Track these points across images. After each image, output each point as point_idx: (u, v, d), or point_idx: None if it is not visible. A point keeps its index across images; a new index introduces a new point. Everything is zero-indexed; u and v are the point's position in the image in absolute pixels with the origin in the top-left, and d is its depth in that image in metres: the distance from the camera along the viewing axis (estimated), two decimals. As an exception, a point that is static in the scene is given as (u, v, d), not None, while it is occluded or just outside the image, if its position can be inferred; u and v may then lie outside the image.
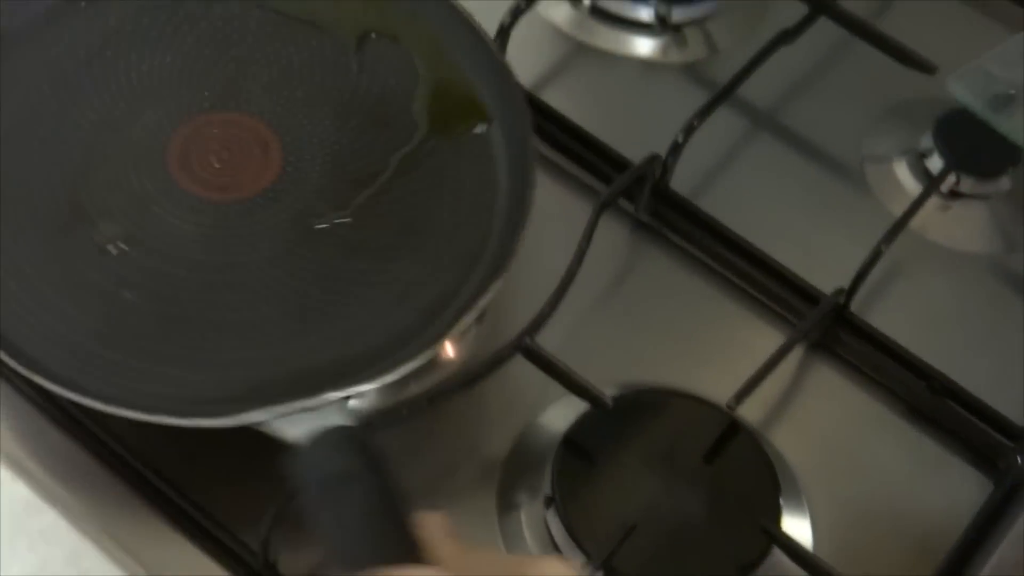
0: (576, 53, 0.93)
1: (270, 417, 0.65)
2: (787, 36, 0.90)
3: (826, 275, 0.82)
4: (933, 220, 0.87)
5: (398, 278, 0.74)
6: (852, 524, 0.76)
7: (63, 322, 0.70)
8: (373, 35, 0.82)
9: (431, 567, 0.56)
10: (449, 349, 0.76)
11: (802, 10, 0.92)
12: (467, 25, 0.82)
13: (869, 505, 0.77)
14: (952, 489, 0.78)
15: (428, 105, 0.80)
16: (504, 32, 0.87)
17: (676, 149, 0.84)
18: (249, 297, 0.73)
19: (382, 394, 0.72)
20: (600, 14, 0.94)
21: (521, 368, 0.74)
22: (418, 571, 0.56)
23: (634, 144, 0.86)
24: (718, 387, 0.76)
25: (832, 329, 0.81)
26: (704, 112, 0.85)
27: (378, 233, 0.75)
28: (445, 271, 0.74)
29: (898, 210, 0.85)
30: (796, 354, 0.80)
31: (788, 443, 0.78)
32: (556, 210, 0.82)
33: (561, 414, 0.75)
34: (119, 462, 0.72)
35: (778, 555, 0.71)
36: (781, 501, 0.73)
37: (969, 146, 0.88)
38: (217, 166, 0.77)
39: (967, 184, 0.87)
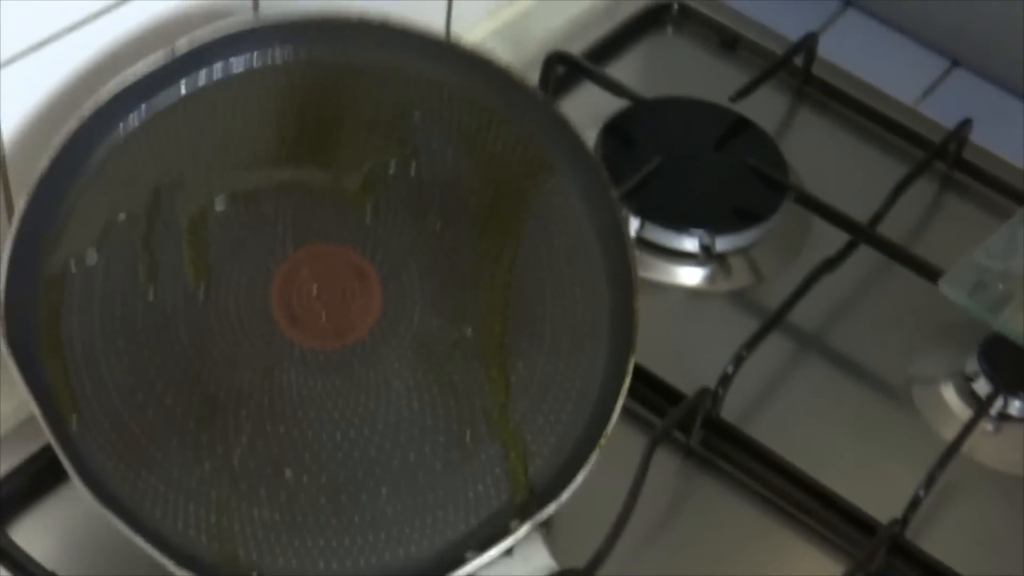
0: (624, 284, 0.95)
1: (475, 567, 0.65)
2: (829, 264, 0.92)
3: (878, 500, 0.83)
4: (983, 443, 0.88)
5: (532, 371, 0.74)
6: None
7: (234, 519, 0.70)
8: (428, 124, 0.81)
9: None
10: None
11: (843, 238, 0.94)
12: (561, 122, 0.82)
13: None
14: None
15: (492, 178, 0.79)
16: (554, 268, 0.89)
17: (726, 380, 0.85)
18: (399, 440, 0.72)
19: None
20: (645, 245, 0.96)
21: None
22: None
23: (683, 372, 0.87)
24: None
25: (889, 558, 0.82)
26: (752, 343, 0.87)
27: (499, 329, 0.75)
28: (572, 351, 0.75)
29: (947, 433, 0.87)
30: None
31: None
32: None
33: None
34: None
35: None
36: None
37: (1015, 368, 0.89)
38: (322, 313, 0.75)
39: (1015, 407, 0.89)
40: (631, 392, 0.87)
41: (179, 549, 0.69)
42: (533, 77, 1.04)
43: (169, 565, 0.68)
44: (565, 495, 0.73)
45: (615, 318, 0.76)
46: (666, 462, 0.85)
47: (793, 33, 1.07)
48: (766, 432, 0.86)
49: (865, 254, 0.95)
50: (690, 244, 0.96)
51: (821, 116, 1.08)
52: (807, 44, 1.06)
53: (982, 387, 0.89)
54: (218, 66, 0.77)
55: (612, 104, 1.02)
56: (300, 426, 0.73)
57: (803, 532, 0.84)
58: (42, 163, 0.73)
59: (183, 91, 0.76)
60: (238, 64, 0.77)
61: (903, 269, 0.94)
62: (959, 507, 0.86)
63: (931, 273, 0.92)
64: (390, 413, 0.73)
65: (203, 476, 0.71)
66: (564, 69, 1.03)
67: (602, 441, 0.74)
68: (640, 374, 0.87)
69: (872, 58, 1.12)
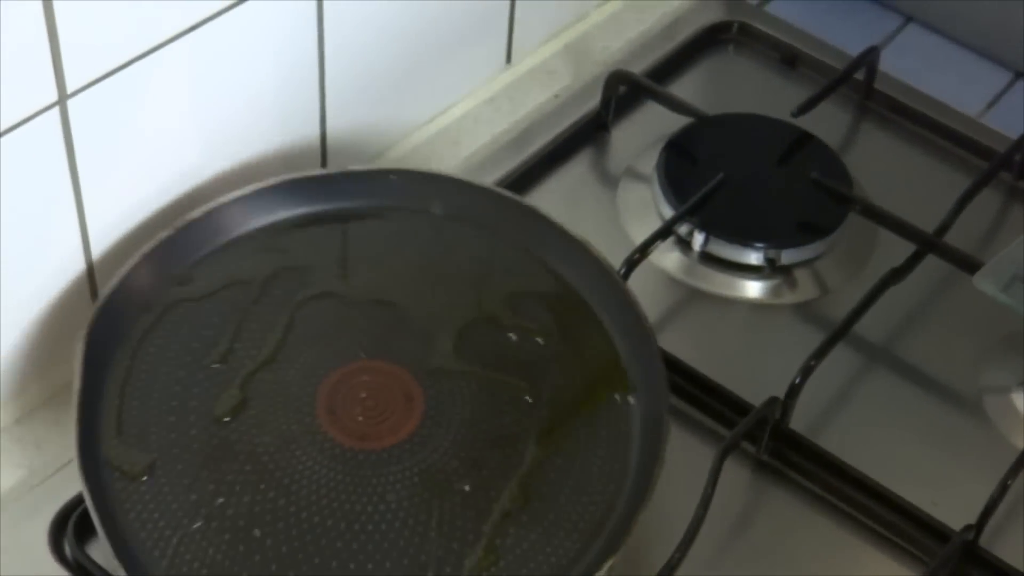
0: (689, 298, 0.96)
1: None
2: (896, 274, 0.92)
3: (951, 509, 0.82)
4: (1055, 449, 0.87)
5: (518, 543, 0.76)
6: None
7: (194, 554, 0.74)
8: (523, 295, 0.86)
9: None
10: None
11: (909, 248, 0.94)
12: (618, 289, 0.85)
13: None
14: None
15: (571, 367, 0.83)
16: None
17: (794, 390, 0.85)
18: (371, 549, 0.75)
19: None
20: (710, 259, 0.96)
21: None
22: None
23: (750, 385, 0.87)
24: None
25: (962, 566, 0.81)
26: (820, 353, 0.86)
27: (504, 496, 0.77)
28: (564, 540, 0.76)
29: (1018, 439, 0.86)
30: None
31: None
32: (676, 449, 0.84)
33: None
34: None
35: None
36: None
37: (1087, 375, 0.88)
38: (361, 418, 0.79)
39: (1088, 414, 0.88)
40: (697, 404, 0.88)
41: None
42: (594, 97, 1.04)
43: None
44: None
45: (619, 523, 0.77)
46: (736, 473, 0.85)
47: (854, 49, 1.08)
48: (835, 443, 0.86)
49: (932, 264, 0.94)
50: (755, 258, 0.96)
51: (884, 130, 1.08)
52: (868, 58, 1.06)
53: (1054, 394, 0.89)
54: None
55: (673, 123, 1.03)
56: (289, 497, 0.76)
57: (875, 541, 0.83)
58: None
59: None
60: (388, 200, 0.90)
61: (971, 278, 0.93)
62: (1033, 514, 0.85)
63: (999, 281, 0.92)
64: (373, 519, 0.76)
65: (189, 506, 0.75)
66: (625, 88, 1.04)
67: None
68: (707, 386, 0.88)
69: (934, 72, 1.12)
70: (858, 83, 1.08)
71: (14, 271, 0.80)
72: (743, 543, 0.83)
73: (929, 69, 1.12)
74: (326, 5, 0.89)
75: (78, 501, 0.80)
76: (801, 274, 0.97)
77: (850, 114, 1.08)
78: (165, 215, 0.87)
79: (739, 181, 0.99)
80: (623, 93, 1.04)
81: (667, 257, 0.97)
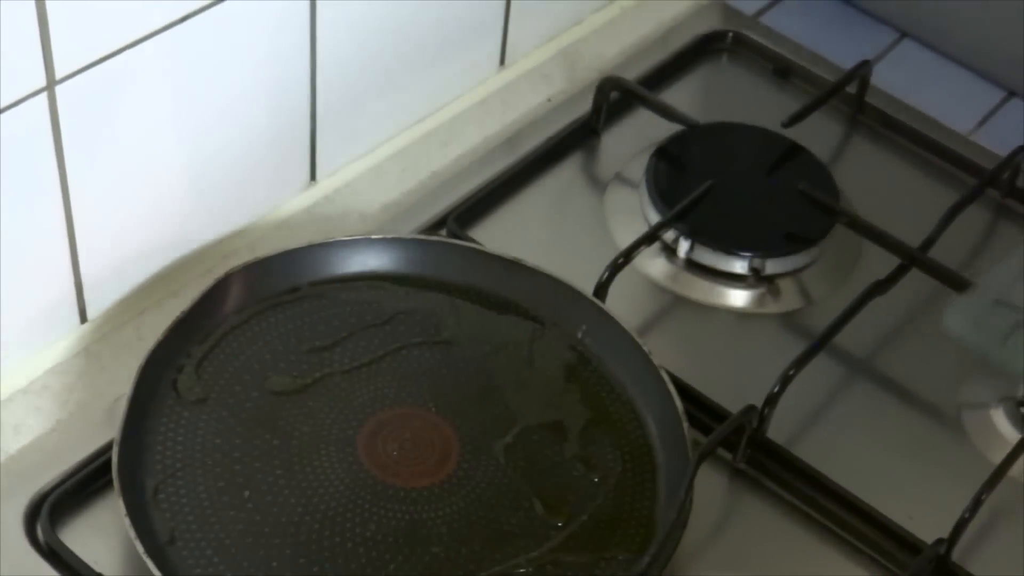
0: (673, 305, 0.96)
1: None
2: (880, 287, 0.92)
3: (925, 523, 0.82)
4: (1032, 467, 0.88)
5: None
6: None
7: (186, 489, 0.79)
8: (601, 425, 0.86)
9: None
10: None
11: (894, 262, 0.94)
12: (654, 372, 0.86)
13: None
14: None
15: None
16: (603, 287, 0.90)
17: (772, 399, 0.85)
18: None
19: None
20: (695, 267, 0.97)
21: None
22: None
23: (730, 393, 0.88)
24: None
25: (934, 579, 0.81)
26: (800, 362, 0.87)
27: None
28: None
29: (996, 457, 0.86)
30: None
31: None
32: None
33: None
34: None
35: None
36: None
37: (1066, 393, 0.89)
38: (395, 453, 0.83)
39: (1065, 431, 0.88)
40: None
41: None
42: (587, 102, 1.05)
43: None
44: None
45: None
46: (713, 481, 0.85)
47: (848, 63, 1.08)
48: (813, 453, 0.86)
49: (916, 279, 0.95)
50: (740, 266, 0.96)
51: (874, 144, 1.08)
52: (861, 72, 1.07)
53: (1033, 412, 0.89)
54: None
55: (664, 131, 1.03)
56: (291, 482, 0.80)
57: (849, 552, 0.83)
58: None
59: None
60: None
61: (954, 295, 0.94)
62: (1008, 531, 0.85)
63: (982, 298, 0.92)
64: (355, 539, 0.79)
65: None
66: (617, 94, 1.04)
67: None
68: (687, 393, 0.88)
69: (927, 88, 1.12)
70: (849, 96, 1.08)
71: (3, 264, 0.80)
72: (717, 549, 0.83)
73: (922, 85, 1.13)
74: (319, 3, 0.89)
75: (53, 487, 0.80)
76: (785, 284, 0.97)
77: (841, 127, 1.08)
78: (151, 203, 0.88)
79: (727, 189, 0.99)
80: (615, 99, 1.05)
81: (652, 263, 0.97)
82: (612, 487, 0.82)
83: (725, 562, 0.83)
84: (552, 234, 0.99)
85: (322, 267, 0.90)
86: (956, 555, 0.81)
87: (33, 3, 0.73)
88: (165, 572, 0.73)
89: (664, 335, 0.94)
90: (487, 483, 0.82)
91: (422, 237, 0.92)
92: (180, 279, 0.92)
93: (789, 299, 0.96)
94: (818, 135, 1.05)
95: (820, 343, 0.89)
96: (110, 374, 0.87)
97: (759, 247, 0.96)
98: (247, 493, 0.79)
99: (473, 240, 0.94)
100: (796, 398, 0.87)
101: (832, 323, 0.90)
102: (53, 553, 0.78)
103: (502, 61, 1.07)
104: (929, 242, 0.95)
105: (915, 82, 1.13)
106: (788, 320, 0.95)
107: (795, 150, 1.03)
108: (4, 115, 0.75)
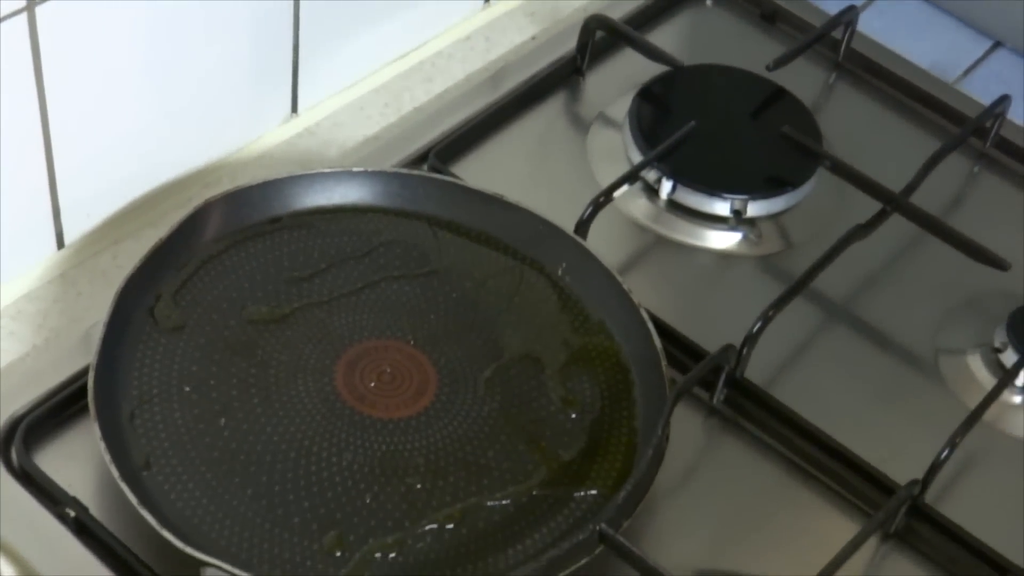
0: (654, 245, 0.96)
1: None
2: (860, 231, 0.92)
3: (900, 465, 0.83)
4: (1007, 412, 0.88)
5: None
6: None
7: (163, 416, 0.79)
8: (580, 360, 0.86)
9: None
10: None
11: (875, 206, 0.94)
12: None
13: None
14: None
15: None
16: (584, 224, 0.90)
17: (751, 339, 0.85)
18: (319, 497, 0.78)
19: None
20: (677, 208, 0.96)
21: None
22: None
23: (709, 334, 0.87)
24: (794, 573, 0.77)
25: (906, 521, 0.82)
26: (779, 303, 0.87)
27: (442, 514, 0.78)
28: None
29: (972, 402, 0.86)
30: (871, 544, 0.80)
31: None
32: (633, 397, 0.84)
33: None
34: None
35: None
36: None
37: (1043, 341, 0.89)
38: (372, 384, 0.82)
39: (1041, 377, 0.88)
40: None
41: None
42: (571, 41, 1.04)
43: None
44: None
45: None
46: (689, 420, 0.85)
47: (833, 9, 1.07)
48: (790, 395, 0.86)
49: (897, 225, 0.94)
50: (721, 208, 0.96)
51: (859, 90, 1.08)
52: (847, 18, 1.06)
53: (1009, 358, 0.89)
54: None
55: (648, 72, 1.03)
56: (268, 409, 0.80)
57: (822, 492, 0.84)
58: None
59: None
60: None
61: (934, 240, 0.94)
62: (982, 475, 0.85)
63: (962, 245, 0.92)
64: (331, 468, 0.79)
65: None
66: (602, 33, 1.04)
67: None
68: (666, 333, 0.88)
69: (913, 36, 1.12)
70: (835, 42, 1.08)
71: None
72: (692, 487, 0.83)
73: (907, 32, 1.12)
74: (304, -69, 0.88)
75: (28, 410, 0.79)
76: (766, 227, 0.97)
77: (825, 72, 1.08)
78: (131, 130, 0.87)
79: (710, 131, 0.98)
80: (600, 39, 1.04)
81: (634, 204, 0.97)
82: (589, 424, 0.82)
83: (700, 500, 0.83)
84: (534, 172, 0.98)
85: (303, 198, 0.89)
86: (929, 497, 0.82)
87: (14, -80, 0.73)
88: (140, 497, 0.73)
89: (644, 275, 0.93)
90: (465, 416, 0.81)
91: (404, 171, 0.92)
92: (159, 208, 0.91)
93: (770, 242, 0.96)
94: (803, 80, 1.05)
95: (799, 285, 0.89)
96: (86, 300, 0.87)
97: (741, 189, 0.96)
98: (223, 420, 0.79)
99: (454, 176, 0.93)
100: (774, 340, 0.87)
101: (812, 266, 0.90)
102: (27, 476, 0.77)
103: (487, -2, 1.07)
104: (911, 188, 0.95)
105: (901, 29, 1.12)
106: (768, 262, 0.95)
107: (779, 94, 1.02)
108: (-17, 34, 0.75)
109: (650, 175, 0.96)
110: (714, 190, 0.96)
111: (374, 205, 0.90)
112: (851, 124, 1.05)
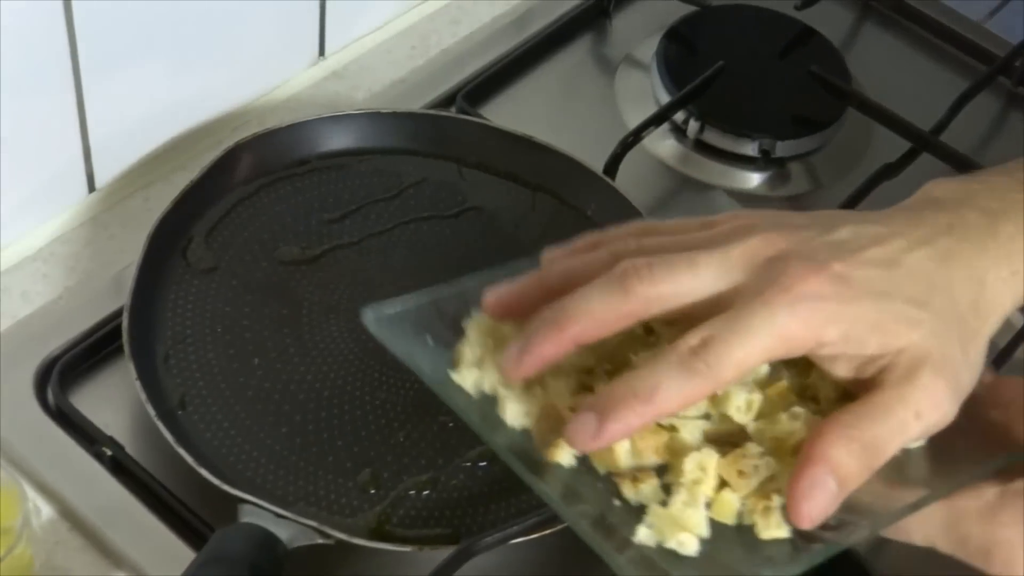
0: (682, 186, 0.96)
1: None
2: (889, 170, 0.92)
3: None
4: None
5: None
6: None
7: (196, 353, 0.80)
8: None
9: None
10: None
11: (904, 146, 0.94)
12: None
13: None
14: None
15: None
16: (612, 165, 0.90)
17: (781, 278, 0.85)
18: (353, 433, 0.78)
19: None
20: (704, 148, 0.96)
21: None
22: None
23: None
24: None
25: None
26: (808, 242, 0.86)
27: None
28: None
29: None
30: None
31: None
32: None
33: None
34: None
35: None
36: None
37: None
38: None
39: (1071, 315, 0.88)
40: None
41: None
42: (596, -17, 1.04)
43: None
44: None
45: None
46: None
47: (862, -52, 1.07)
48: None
49: (925, 164, 0.94)
50: (750, 149, 0.96)
51: (887, 30, 1.07)
52: (874, -43, 1.06)
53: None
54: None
55: (675, 13, 1.02)
56: (301, 349, 0.81)
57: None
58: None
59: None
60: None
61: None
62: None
63: (992, 183, 0.92)
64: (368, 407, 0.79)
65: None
66: (628, -26, 1.03)
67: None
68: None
69: (941, -25, 1.11)
70: (863, -19, 1.07)
71: (10, 127, 0.80)
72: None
73: (937, -28, 1.12)
74: None
75: (64, 351, 0.80)
76: (795, 167, 0.97)
77: (854, 12, 1.08)
78: (160, 72, 0.87)
79: (738, 72, 0.98)
80: (625, -20, 1.04)
81: (662, 144, 0.97)
82: None
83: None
84: (561, 114, 0.98)
85: (331, 140, 0.89)
86: None
87: None
88: (176, 436, 0.74)
89: (673, 215, 0.92)
90: None
91: (433, 112, 0.92)
92: (189, 151, 0.91)
93: (798, 182, 0.96)
94: (831, 20, 1.04)
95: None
96: (118, 243, 0.87)
97: (769, 129, 0.96)
98: (257, 360, 0.79)
99: (483, 118, 0.93)
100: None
101: (840, 206, 0.90)
102: (63, 416, 0.78)
103: (513, -61, 1.06)
104: (940, 127, 0.95)
105: (930, -31, 1.12)
106: (797, 203, 0.95)
107: (808, 34, 1.02)
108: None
109: (678, 116, 0.96)
110: (742, 130, 0.95)
111: (403, 147, 0.90)
112: (880, 63, 1.04)
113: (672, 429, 0.54)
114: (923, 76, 1.05)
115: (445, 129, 0.91)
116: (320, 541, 0.72)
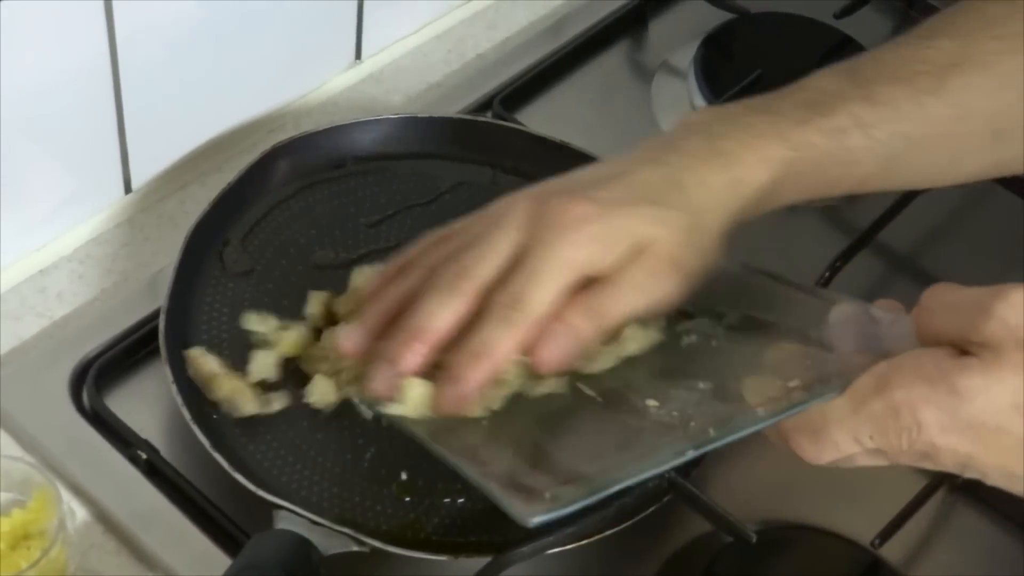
0: (718, 194, 0.95)
1: None
2: (928, 182, 0.91)
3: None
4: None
5: None
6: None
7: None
8: None
9: None
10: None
11: (943, 157, 0.93)
12: None
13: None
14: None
15: None
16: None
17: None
18: None
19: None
20: (742, 157, 0.96)
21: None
22: None
23: (774, 284, 0.87)
24: (860, 525, 0.77)
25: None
26: (847, 254, 0.86)
27: None
28: None
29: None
30: (940, 495, 0.80)
31: (930, 585, 0.78)
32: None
33: (704, 546, 0.76)
34: None
35: None
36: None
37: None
38: None
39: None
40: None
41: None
42: (636, -12, 1.03)
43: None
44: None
45: None
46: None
47: (902, -44, 1.06)
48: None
49: (964, 175, 0.94)
50: (787, 158, 0.95)
51: (924, 40, 1.06)
52: (914, -34, 1.05)
53: (1078, 311, 0.88)
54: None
55: (713, 20, 1.02)
56: None
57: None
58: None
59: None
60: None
61: (1002, 191, 0.93)
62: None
63: (1031, 196, 0.91)
64: None
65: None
66: (667, -19, 1.03)
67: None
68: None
69: (979, -15, 1.11)
70: (902, -10, 1.07)
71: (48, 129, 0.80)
72: (760, 437, 0.83)
73: (975, -19, 1.11)
74: None
75: (99, 352, 0.80)
76: (831, 177, 0.96)
77: (892, 21, 1.07)
78: (197, 75, 0.87)
79: (776, 80, 0.97)
80: (664, -14, 1.03)
81: (698, 152, 0.96)
82: None
83: (768, 447, 0.83)
84: (598, 120, 0.98)
85: (367, 144, 0.89)
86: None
87: None
88: (211, 440, 0.74)
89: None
90: None
91: (469, 117, 0.92)
92: (224, 153, 0.91)
93: (835, 192, 0.96)
94: (870, 28, 1.04)
95: (866, 236, 0.88)
96: (153, 245, 0.87)
97: (807, 139, 0.95)
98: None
99: (519, 123, 0.93)
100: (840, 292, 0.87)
101: (878, 218, 0.90)
102: (98, 418, 0.78)
103: (551, -56, 1.06)
104: (980, 138, 0.94)
105: (968, -22, 1.11)
106: (832, 213, 0.95)
107: (846, 42, 1.01)
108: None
109: (715, 124, 0.96)
110: (779, 139, 0.95)
111: (439, 151, 0.90)
112: (917, 74, 1.03)
113: None
114: (961, 86, 1.04)
115: (481, 134, 0.90)
116: (355, 548, 0.71)
